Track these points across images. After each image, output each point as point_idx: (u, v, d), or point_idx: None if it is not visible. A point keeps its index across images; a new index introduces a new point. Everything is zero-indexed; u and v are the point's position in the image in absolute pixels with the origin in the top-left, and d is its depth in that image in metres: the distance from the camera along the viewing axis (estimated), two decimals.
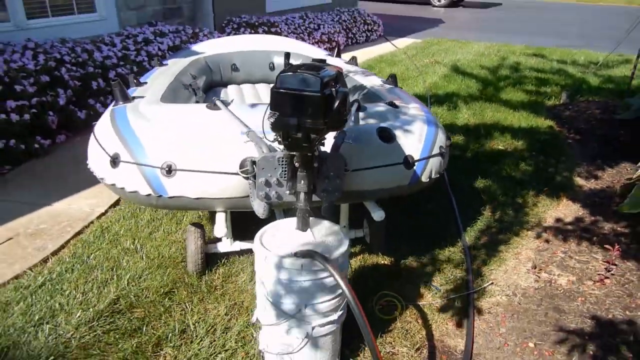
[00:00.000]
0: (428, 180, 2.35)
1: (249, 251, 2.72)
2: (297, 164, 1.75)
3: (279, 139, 1.68)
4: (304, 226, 1.84)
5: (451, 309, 2.41)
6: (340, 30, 9.01)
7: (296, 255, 1.68)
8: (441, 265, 2.74)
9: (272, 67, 3.91)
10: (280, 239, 1.82)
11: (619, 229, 3.14)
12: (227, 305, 2.37)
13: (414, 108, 2.58)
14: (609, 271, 2.67)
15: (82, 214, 3.15)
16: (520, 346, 2.20)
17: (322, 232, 1.87)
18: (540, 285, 2.61)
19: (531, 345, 2.21)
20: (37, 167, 3.79)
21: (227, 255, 2.72)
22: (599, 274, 2.66)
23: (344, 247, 1.77)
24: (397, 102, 2.60)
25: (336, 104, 1.53)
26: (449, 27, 12.73)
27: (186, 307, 2.35)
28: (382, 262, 2.76)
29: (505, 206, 3.41)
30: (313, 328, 1.76)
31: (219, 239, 2.68)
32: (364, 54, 8.41)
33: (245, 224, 2.72)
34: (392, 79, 3.11)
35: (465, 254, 2.83)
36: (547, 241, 3.02)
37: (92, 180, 3.57)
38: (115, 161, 2.10)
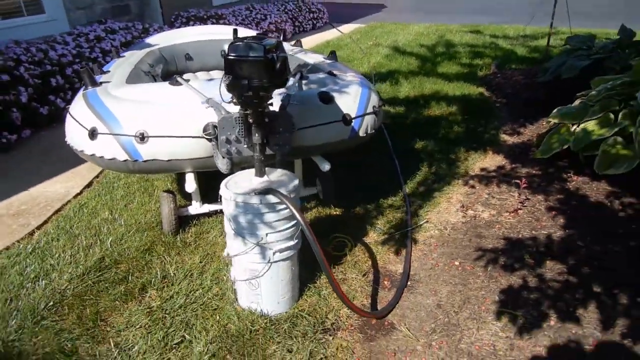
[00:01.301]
0: (365, 135, 2.77)
1: (217, 213, 3.09)
2: (251, 121, 2.13)
3: (234, 101, 2.06)
4: (260, 173, 2.23)
5: (392, 244, 2.86)
6: (287, 20, 9.36)
7: (256, 192, 2.07)
8: (385, 211, 3.18)
9: (224, 54, 4.24)
10: (242, 183, 2.20)
11: (533, 172, 3.68)
12: (201, 255, 2.73)
13: (350, 75, 3.00)
14: (521, 203, 3.19)
15: (59, 195, 3.43)
16: (448, 265, 2.67)
17: (276, 176, 2.27)
18: (466, 220, 3.10)
19: (456, 263, 2.68)
20: (8, 160, 4.01)
21: (198, 217, 3.08)
22: (514, 207, 3.17)
23: (295, 183, 2.17)
24: (335, 72, 3.01)
25: (277, 65, 1.92)
26: (392, 11, 13.29)
27: (165, 259, 2.70)
28: (334, 212, 3.18)
29: (440, 162, 3.90)
30: (274, 253, 2.15)
31: (190, 204, 3.03)
32: (311, 40, 8.80)
33: (211, 189, 3.07)
34: (332, 55, 3.52)
35: (405, 201, 3.29)
36: (473, 187, 3.52)
37: (63, 167, 3.86)
38: (93, 134, 2.41)
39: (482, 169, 3.77)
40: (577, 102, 3.86)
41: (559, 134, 3.69)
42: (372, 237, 2.93)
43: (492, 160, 3.93)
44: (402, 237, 2.91)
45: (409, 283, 2.54)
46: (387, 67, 6.72)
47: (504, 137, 4.39)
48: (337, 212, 3.18)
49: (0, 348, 2.10)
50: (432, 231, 2.99)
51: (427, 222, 3.08)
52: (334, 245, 2.82)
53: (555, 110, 3.83)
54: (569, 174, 3.57)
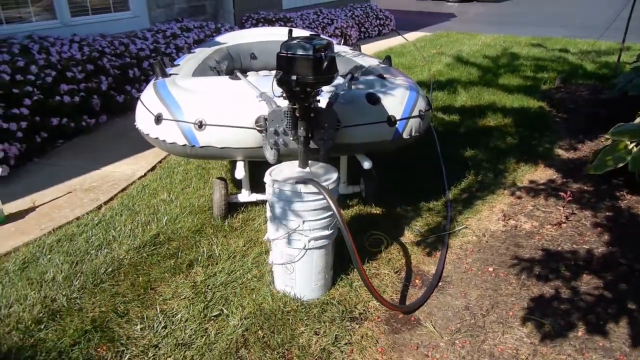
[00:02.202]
0: (409, 137, 2.85)
1: (263, 202, 3.27)
2: (298, 115, 2.28)
3: (284, 95, 2.21)
4: (304, 164, 2.37)
5: (428, 245, 2.90)
6: (352, 25, 9.51)
7: (297, 181, 2.21)
8: (424, 214, 3.23)
9: None
10: (285, 173, 2.35)
11: (584, 187, 3.58)
12: (245, 240, 2.91)
13: (400, 80, 3.09)
14: (566, 216, 3.13)
15: (125, 176, 3.74)
16: (482, 270, 2.69)
17: (318, 168, 2.40)
18: (506, 229, 3.09)
19: (490, 269, 2.69)
20: (85, 141, 4.41)
21: (246, 205, 3.27)
22: (557, 219, 3.12)
23: (334, 176, 2.29)
24: (386, 76, 3.11)
25: (325, 64, 2.05)
26: (461, 21, 13.10)
27: (212, 240, 2.90)
28: (374, 211, 3.26)
29: (488, 171, 3.88)
30: (309, 240, 2.28)
31: (239, 192, 3.23)
32: (375, 46, 8.90)
33: (260, 180, 3.25)
34: (387, 60, 3.62)
35: (447, 205, 3.32)
36: (519, 197, 3.49)
37: (131, 151, 4.20)
38: (158, 119, 2.65)
39: (531, 181, 3.72)
40: (638, 120, 3.71)
41: (616, 151, 3.56)
42: (409, 237, 2.99)
43: (542, 174, 3.86)
44: (438, 240, 2.95)
45: (440, 284, 2.58)
46: (447, 75, 6.69)
47: (559, 151, 4.29)
48: (377, 211, 3.26)
49: (64, 302, 2.37)
50: (470, 237, 3.01)
51: (465, 227, 3.10)
52: (370, 241, 2.91)
53: (614, 127, 3.70)
54: (621, 192, 3.46)
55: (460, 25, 12.18)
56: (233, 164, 3.59)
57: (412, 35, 10.28)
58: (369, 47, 8.77)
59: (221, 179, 3.15)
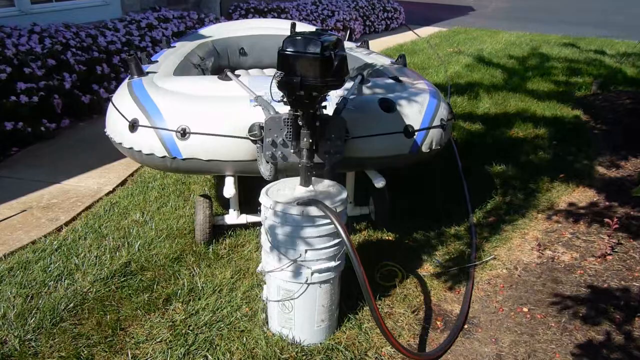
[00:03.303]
0: (429, 150, 2.80)
1: (255, 225, 3.20)
2: (300, 123, 2.22)
3: (284, 100, 2.16)
4: (306, 182, 2.31)
5: (450, 279, 2.84)
6: (356, 18, 9.55)
7: (298, 203, 2.15)
8: (445, 241, 3.18)
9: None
10: (285, 192, 2.29)
11: (632, 213, 3.54)
12: (233, 270, 2.83)
13: (418, 83, 3.05)
14: (611, 247, 3.08)
15: (91, 191, 3.67)
16: (515, 311, 2.63)
17: (323, 187, 2.34)
18: (542, 261, 3.03)
19: (525, 310, 2.63)
20: (44, 149, 4.34)
21: (234, 228, 3.20)
22: (601, 251, 3.07)
23: (342, 196, 2.24)
24: (401, 78, 3.07)
25: (334, 65, 2.00)
26: (480, 15, 13.22)
27: (194, 270, 2.82)
28: (386, 237, 3.21)
29: (518, 190, 3.84)
30: (312, 273, 2.21)
31: (226, 212, 3.16)
32: (382, 43, 8.93)
33: (251, 199, 3.19)
34: (401, 59, 3.59)
35: (471, 231, 3.27)
36: (557, 222, 3.44)
37: (98, 162, 4.13)
38: (134, 126, 2.59)
39: (569, 204, 3.68)
40: None
41: None
42: (428, 269, 2.93)
43: (582, 195, 3.82)
44: (462, 273, 2.89)
45: (465, 326, 2.52)
46: (467, 78, 6.70)
47: (600, 169, 4.26)
48: (390, 237, 3.20)
49: (17, 345, 2.28)
50: (500, 270, 2.95)
51: (494, 258, 3.04)
52: (382, 273, 2.84)
53: None
54: None
55: (479, 20, 12.28)
56: (220, 179, 3.54)
57: (424, 31, 10.34)
58: (376, 44, 8.79)
59: (205, 196, 3.08)
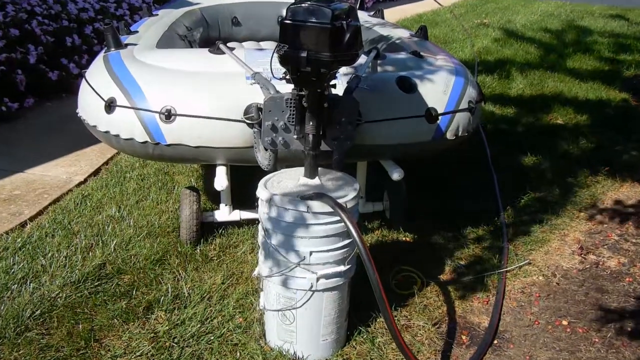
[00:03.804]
0: (454, 138, 2.80)
1: (251, 222, 3.21)
2: (305, 105, 2.22)
3: (288, 76, 2.16)
4: (311, 173, 2.30)
5: (478, 287, 2.84)
6: None
7: (302, 197, 2.14)
8: (471, 243, 3.18)
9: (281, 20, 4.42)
10: (286, 184, 2.29)
11: None
12: (224, 274, 2.84)
13: (442, 59, 3.04)
14: None
15: (59, 182, 3.68)
16: (553, 324, 2.63)
17: (331, 179, 2.34)
18: (584, 267, 3.04)
19: (564, 323, 2.63)
20: (5, 133, 4.35)
21: (225, 226, 3.21)
22: None
23: (354, 190, 2.23)
24: (422, 53, 3.06)
25: (347, 37, 1.99)
26: None
27: (179, 274, 2.83)
28: (403, 238, 3.21)
29: (556, 185, 3.85)
30: (318, 279, 2.21)
31: (217, 208, 3.16)
32: (398, 12, 8.92)
33: (246, 192, 3.19)
34: (422, 32, 3.58)
35: (502, 231, 3.28)
36: (601, 223, 3.45)
37: (68, 148, 4.14)
38: (110, 106, 2.59)
39: (616, 202, 3.69)
40: None
41: None
42: (451, 275, 2.93)
43: (630, 191, 3.83)
44: (491, 280, 2.90)
45: (495, 341, 2.52)
46: (497, 54, 6.70)
47: None
48: (407, 238, 3.21)
49: None
50: (535, 277, 2.96)
51: (529, 263, 3.05)
52: (398, 280, 2.85)
53: None
54: None
55: None
56: (210, 169, 3.54)
57: None
58: (391, 13, 8.76)
59: (192, 189, 3.09)
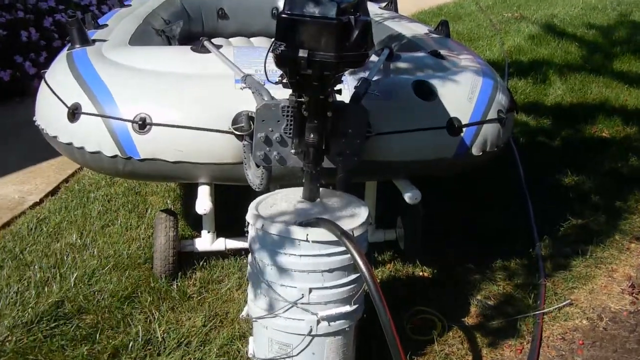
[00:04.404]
0: (481, 154, 2.81)
1: (238, 253, 3.22)
2: (306, 114, 2.23)
3: (285, 80, 2.18)
4: (311, 195, 2.32)
5: (510, 333, 2.84)
6: None
7: (300, 223, 2.15)
8: (501, 279, 3.19)
9: (275, 15, 4.46)
10: (281, 207, 2.30)
11: None
12: (206, 315, 2.84)
13: (467, 60, 3.07)
14: None
15: (10, 203, 3.69)
16: None
17: (335, 201, 2.35)
18: (636, 309, 3.04)
19: None
20: None
21: (208, 257, 3.22)
22: None
23: (362, 215, 2.24)
24: (443, 53, 3.09)
25: (355, 34, 2.01)
26: None
27: (152, 315, 2.83)
28: (420, 272, 3.22)
29: (602, 210, 3.86)
30: (318, 322, 2.21)
31: (198, 235, 3.17)
32: (414, 4, 8.99)
33: (233, 215, 3.20)
34: (443, 27, 3.62)
35: (538, 265, 3.29)
36: None
37: (20, 163, 4.16)
38: (74, 113, 2.61)
39: None
40: None
41: None
42: (477, 317, 2.94)
43: None
44: (526, 323, 2.90)
45: None
46: (531, 54, 6.75)
47: None
48: (425, 273, 3.22)
49: None
50: (578, 320, 2.96)
51: (570, 304, 3.05)
52: (414, 323, 2.85)
53: None
54: None
55: None
56: (190, 189, 3.55)
57: None
58: (406, 6, 8.83)
59: (168, 212, 3.10)
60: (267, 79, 2.33)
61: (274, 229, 2.17)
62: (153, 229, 3.14)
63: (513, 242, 3.48)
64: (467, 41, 7.14)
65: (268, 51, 2.09)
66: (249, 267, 2.33)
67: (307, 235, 2.13)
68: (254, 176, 2.52)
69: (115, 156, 2.59)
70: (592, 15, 8.54)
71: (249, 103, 2.53)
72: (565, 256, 3.42)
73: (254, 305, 2.30)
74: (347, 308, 2.25)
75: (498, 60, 6.45)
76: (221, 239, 3.15)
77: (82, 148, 2.63)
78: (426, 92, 2.73)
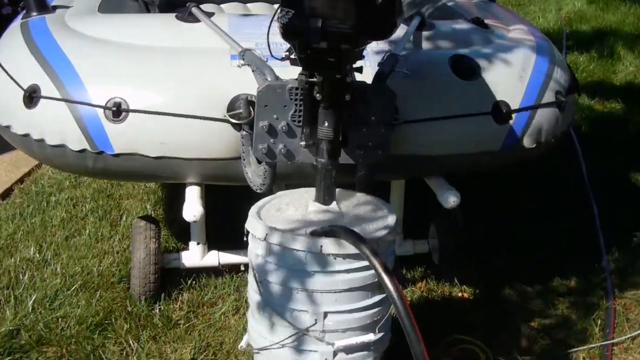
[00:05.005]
0: (534, 145, 2.82)
1: (235, 269, 3.23)
2: (318, 96, 2.24)
3: (293, 56, 2.19)
4: (326, 197, 2.32)
5: None
6: None
7: (312, 232, 2.16)
8: (559, 301, 3.19)
9: None
10: (289, 213, 2.31)
11: None
12: (195, 347, 2.85)
13: (517, 30, 3.08)
14: None
15: None
16: None
17: (355, 204, 2.36)
18: None
19: None
20: None
21: (197, 273, 3.24)
22: None
23: (387, 222, 2.25)
24: (487, 21, 3.10)
25: None
26: None
27: (129, 346, 2.84)
28: (458, 292, 3.23)
29: None
30: (335, 353, 2.22)
31: (185, 247, 3.19)
32: None
33: (228, 222, 3.21)
34: None
35: (607, 285, 3.29)
36: None
37: None
38: (32, 97, 2.62)
39: None
40: None
41: None
42: (529, 349, 2.94)
43: None
44: (591, 356, 2.90)
45: None
46: (596, 21, 6.74)
47: None
48: (465, 294, 3.23)
49: None
50: None
51: None
52: (453, 355, 2.86)
53: None
54: None
55: None
56: (175, 190, 3.57)
57: None
58: None
59: (148, 219, 3.12)
60: (271, 55, 2.34)
61: (280, 240, 2.17)
62: (129, 240, 3.15)
63: (574, 255, 3.48)
64: (516, 6, 7.13)
65: (272, 20, 2.10)
66: (249, 286, 2.34)
67: (321, 247, 2.14)
68: (254, 175, 2.53)
69: (83, 150, 2.60)
70: None
71: (248, 84, 2.53)
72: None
73: (256, 334, 2.31)
74: (370, 337, 2.26)
75: (554, 29, 6.43)
76: (214, 252, 3.16)
77: (41, 140, 2.64)
78: (466, 70, 2.74)
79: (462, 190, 2.83)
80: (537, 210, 3.85)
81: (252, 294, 2.31)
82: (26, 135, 2.67)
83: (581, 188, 4.05)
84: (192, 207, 2.74)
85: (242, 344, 2.41)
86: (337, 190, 2.36)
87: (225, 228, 3.04)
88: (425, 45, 2.87)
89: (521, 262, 3.41)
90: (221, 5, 4.32)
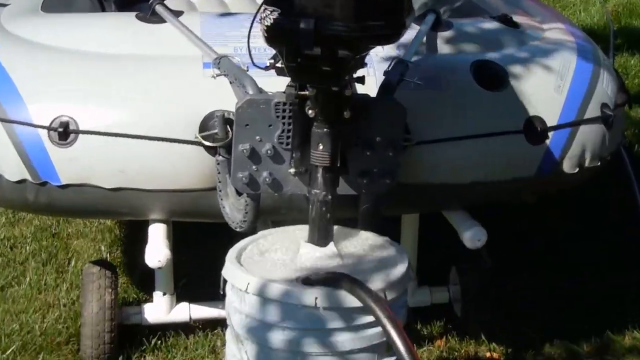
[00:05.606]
0: (576, 170, 2.82)
1: (210, 325, 3.22)
2: (311, 113, 2.24)
3: (280, 64, 2.19)
4: (321, 236, 2.31)
5: None
6: None
7: (305, 282, 2.16)
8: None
9: None
10: (276, 257, 2.30)
11: None
12: None
13: (553, 30, 3.09)
14: None
15: None
16: None
17: (357, 246, 2.36)
18: None
19: None
20: None
21: (163, 331, 3.23)
22: None
23: (399, 270, 2.24)
24: (516, 19, 3.11)
25: None
26: None
27: None
28: (486, 350, 3.22)
29: None
30: None
31: (149, 299, 3.18)
32: None
33: (201, 268, 3.21)
34: None
35: None
36: None
37: None
38: None
39: None
40: None
41: None
42: None
43: None
44: None
45: None
46: None
47: None
48: (495, 354, 3.22)
49: None
50: None
51: None
52: None
53: None
54: None
55: None
56: (136, 229, 3.56)
57: None
58: None
59: (102, 264, 3.13)
60: (253, 63, 2.35)
61: (265, 291, 2.17)
62: (80, 291, 3.14)
63: (624, 297, 3.49)
64: (553, 1, 7.17)
65: (253, 20, 2.10)
66: (227, 347, 2.33)
67: (316, 299, 2.14)
68: (233, 209, 2.52)
69: (23, 181, 2.60)
70: None
71: (224, 99, 2.54)
72: None
73: None
74: None
75: (598, 26, 6.46)
76: (183, 305, 3.16)
77: None
78: (492, 78, 2.74)
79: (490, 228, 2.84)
80: (579, 238, 3.85)
81: (231, 357, 2.30)
82: None
83: (634, 215, 4.06)
84: (157, 250, 2.73)
85: None
86: (335, 227, 2.35)
87: (197, 275, 3.04)
88: (442, 48, 2.86)
89: (564, 311, 3.41)
90: (192, 1, 4.35)
